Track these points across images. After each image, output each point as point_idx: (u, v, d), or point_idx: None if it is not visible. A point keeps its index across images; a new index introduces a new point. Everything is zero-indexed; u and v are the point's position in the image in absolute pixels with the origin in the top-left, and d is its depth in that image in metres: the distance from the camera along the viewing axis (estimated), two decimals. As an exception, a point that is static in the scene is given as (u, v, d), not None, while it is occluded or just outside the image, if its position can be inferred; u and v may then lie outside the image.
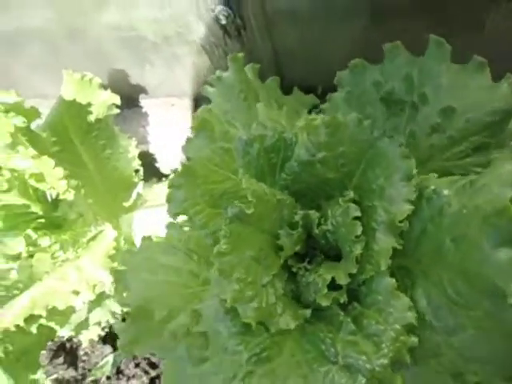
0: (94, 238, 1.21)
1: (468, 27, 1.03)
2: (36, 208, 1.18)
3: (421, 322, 0.64)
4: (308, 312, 0.72)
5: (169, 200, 0.73)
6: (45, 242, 1.15)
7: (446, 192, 0.63)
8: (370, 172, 0.70)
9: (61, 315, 1.18)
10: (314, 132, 0.69)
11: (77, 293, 1.17)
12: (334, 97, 0.91)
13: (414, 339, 0.63)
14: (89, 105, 1.21)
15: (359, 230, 0.66)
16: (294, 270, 0.78)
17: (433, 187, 0.65)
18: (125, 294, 0.76)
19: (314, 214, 0.75)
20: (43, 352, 1.72)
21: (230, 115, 0.89)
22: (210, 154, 0.74)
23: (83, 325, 1.26)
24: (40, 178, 1.12)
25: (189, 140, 0.74)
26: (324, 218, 0.76)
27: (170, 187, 0.72)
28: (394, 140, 0.66)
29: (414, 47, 0.84)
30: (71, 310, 1.21)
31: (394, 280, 0.66)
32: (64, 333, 1.26)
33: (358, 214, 0.67)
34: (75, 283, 1.15)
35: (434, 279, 0.65)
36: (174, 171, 0.71)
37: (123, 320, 0.75)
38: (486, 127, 0.77)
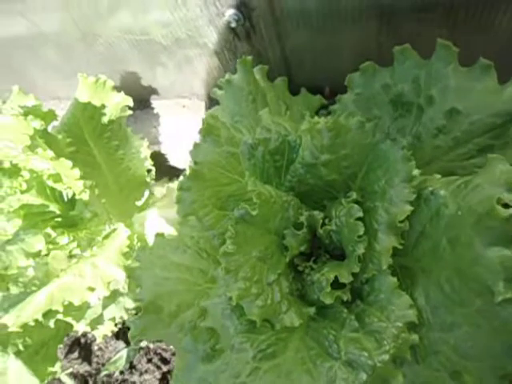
0: (107, 237, 1.25)
1: (477, 29, 1.03)
2: (54, 207, 1.22)
3: (419, 320, 0.66)
4: (312, 310, 0.74)
5: (178, 201, 0.76)
6: (63, 240, 1.20)
7: (442, 193, 0.65)
8: (372, 174, 0.72)
9: (77, 310, 1.22)
10: (317, 135, 0.71)
11: (92, 289, 1.21)
12: (344, 98, 0.93)
13: (415, 337, 0.65)
14: (103, 107, 1.25)
15: (362, 230, 0.68)
16: (300, 268, 0.80)
17: (431, 188, 0.67)
18: (138, 290, 0.80)
19: (318, 215, 0.77)
20: (60, 346, 1.78)
21: (237, 118, 0.91)
22: (217, 158, 0.76)
23: (98, 320, 1.30)
24: (57, 178, 1.16)
25: (196, 145, 0.77)
26: (328, 219, 0.78)
27: (179, 189, 0.75)
28: (396, 142, 0.67)
29: (425, 50, 0.85)
30: (87, 305, 1.26)
31: (395, 279, 0.68)
32: (80, 327, 1.31)
33: (361, 214, 0.69)
34: (90, 280, 1.19)
35: (433, 278, 0.67)
36: (184, 174, 0.74)
37: (136, 315, 0.79)
38: (490, 129, 0.78)
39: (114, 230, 1.29)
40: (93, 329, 1.32)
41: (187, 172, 0.74)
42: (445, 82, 0.82)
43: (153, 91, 1.60)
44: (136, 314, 0.78)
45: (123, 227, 1.25)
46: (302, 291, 0.80)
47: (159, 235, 0.88)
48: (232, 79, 0.99)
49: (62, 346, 1.84)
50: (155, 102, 1.65)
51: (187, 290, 0.80)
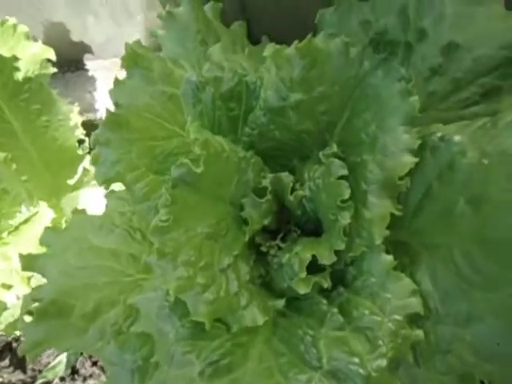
0: (26, 221, 1.01)
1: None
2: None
3: (424, 311, 0.50)
4: (281, 302, 0.56)
5: (95, 162, 0.55)
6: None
7: (457, 138, 0.48)
8: (356, 120, 0.54)
9: (-13, 313, 0.98)
10: (284, 65, 0.52)
11: (7, 287, 0.97)
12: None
13: (419, 333, 0.48)
14: (14, 59, 0.99)
15: (347, 193, 0.50)
16: (264, 249, 0.62)
17: (439, 134, 0.50)
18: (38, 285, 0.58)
19: (287, 177, 0.59)
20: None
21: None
22: (149, 101, 0.56)
23: (17, 324, 1.06)
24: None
25: (118, 82, 0.55)
26: (300, 183, 0.60)
27: (94, 143, 0.54)
28: (391, 72, 0.49)
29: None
30: (2, 306, 1.02)
31: (391, 257, 0.50)
32: (-7, 334, 1.06)
33: (345, 171, 0.51)
34: (4, 275, 0.95)
35: (442, 254, 0.50)
36: (99, 122, 0.53)
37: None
38: (498, 66, 0.62)
39: (35, 213, 1.05)
40: (10, 334, 1.08)
41: (104, 119, 0.53)
42: (439, 10, 0.66)
43: (85, 49, 1.35)
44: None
45: (46, 208, 1.01)
46: (267, 278, 0.61)
47: (78, 212, 0.67)
48: (175, 13, 0.77)
49: (-13, 353, 1.60)
50: (89, 63, 1.40)
51: (111, 282, 0.59)
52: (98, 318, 0.56)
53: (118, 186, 0.69)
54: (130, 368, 0.54)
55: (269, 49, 0.53)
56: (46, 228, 0.62)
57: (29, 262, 0.59)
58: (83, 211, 0.68)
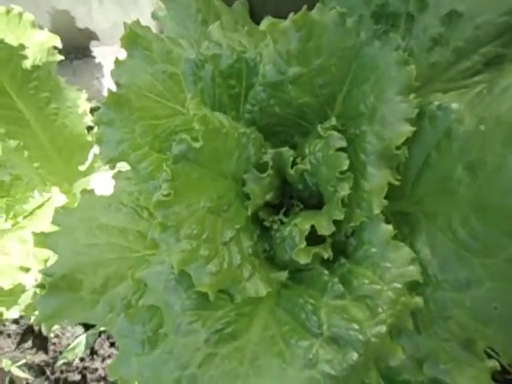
0: (40, 206, 1.04)
1: None
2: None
3: (424, 278, 0.50)
4: (284, 274, 0.57)
5: (99, 141, 0.56)
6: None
7: (455, 106, 0.47)
8: (356, 92, 0.54)
9: (7, 296, 1.02)
10: (281, 38, 0.52)
11: (25, 269, 1.01)
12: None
13: (419, 300, 0.49)
14: (21, 47, 1.01)
15: (345, 164, 0.50)
16: (267, 224, 0.63)
17: (437, 102, 0.50)
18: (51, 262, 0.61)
19: (287, 152, 0.59)
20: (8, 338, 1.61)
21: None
22: (150, 80, 0.56)
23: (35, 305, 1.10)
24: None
25: (118, 62, 0.56)
26: (301, 157, 0.61)
27: (97, 123, 0.55)
28: (388, 42, 0.49)
29: None
30: (21, 288, 1.05)
31: (390, 226, 0.51)
32: (13, 314, 1.11)
33: (343, 143, 0.52)
34: (21, 258, 0.98)
35: (441, 222, 0.50)
36: (101, 103, 0.54)
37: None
38: (500, 33, 0.61)
39: (49, 198, 1.08)
40: (29, 316, 1.13)
41: (105, 99, 0.54)
42: (441, -21, 0.64)
43: (91, 35, 1.36)
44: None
45: (58, 193, 1.04)
46: (271, 252, 0.62)
47: (86, 192, 0.68)
48: (176, -7, 0.77)
49: (12, 335, 1.67)
50: (96, 50, 1.41)
51: (120, 258, 0.61)
52: (107, 292, 0.58)
53: (125, 167, 0.70)
54: (141, 339, 0.56)
55: (265, 22, 0.53)
56: (57, 208, 0.65)
57: (41, 240, 0.62)
58: (92, 191, 0.70)
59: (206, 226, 0.52)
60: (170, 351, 0.49)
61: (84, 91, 1.25)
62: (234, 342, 0.50)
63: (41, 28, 1.08)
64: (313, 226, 0.52)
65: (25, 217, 0.99)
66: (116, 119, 0.55)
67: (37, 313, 1.21)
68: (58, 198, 1.07)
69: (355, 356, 0.47)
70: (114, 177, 0.70)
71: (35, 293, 1.02)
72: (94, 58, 1.41)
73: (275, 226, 0.62)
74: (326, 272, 0.54)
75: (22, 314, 1.11)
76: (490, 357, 0.53)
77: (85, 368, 1.67)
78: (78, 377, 1.68)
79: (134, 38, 0.56)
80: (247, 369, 0.49)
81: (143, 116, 0.57)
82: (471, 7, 0.62)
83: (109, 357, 1.63)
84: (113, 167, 0.61)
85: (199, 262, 0.50)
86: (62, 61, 1.18)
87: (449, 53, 0.65)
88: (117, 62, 0.56)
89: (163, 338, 0.53)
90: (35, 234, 0.62)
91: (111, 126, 0.56)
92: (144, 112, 0.57)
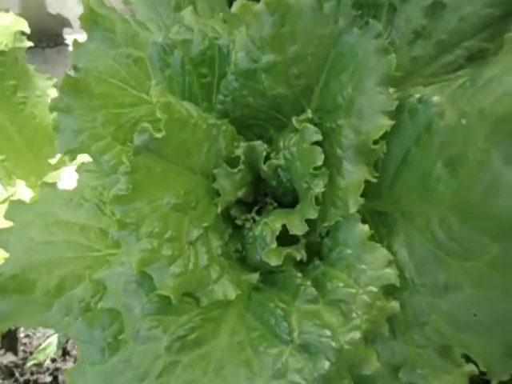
0: (4, 201, 0.98)
1: None
2: None
3: (401, 282, 0.48)
4: (255, 276, 0.54)
5: (56, 129, 0.51)
6: None
7: (436, 99, 0.45)
8: (333, 82, 0.51)
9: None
10: (254, 22, 0.48)
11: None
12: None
13: (395, 304, 0.46)
14: (-16, 31, 0.95)
15: (320, 159, 0.47)
16: (239, 222, 0.59)
17: (418, 95, 0.47)
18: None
19: (260, 146, 0.56)
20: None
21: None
22: (111, 64, 0.52)
23: None
24: None
25: (77, 44, 0.51)
26: (275, 152, 0.57)
27: (52, 110, 0.51)
28: (368, 29, 0.46)
29: None
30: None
31: (367, 226, 0.48)
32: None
33: (319, 137, 0.48)
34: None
35: (419, 222, 0.47)
36: (58, 86, 0.49)
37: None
38: (486, 25, 0.59)
39: (15, 192, 1.02)
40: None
41: (62, 83, 0.49)
42: (423, -32, 0.61)
43: (64, 22, 1.29)
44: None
45: (24, 188, 0.98)
46: (243, 253, 0.59)
47: (47, 185, 0.64)
48: (147, -23, 0.72)
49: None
50: (70, 38, 1.34)
51: (78, 257, 0.56)
52: (63, 293, 0.54)
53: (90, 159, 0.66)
54: (100, 345, 0.52)
55: (237, 4, 0.49)
56: (12, 201, 0.60)
57: (-9, 237, 0.57)
58: (53, 185, 0.65)
59: (169, 223, 0.48)
60: (127, 360, 0.45)
61: (56, 80, 1.19)
62: (198, 350, 0.46)
63: (6, 11, 1.02)
64: (283, 225, 0.48)
65: (-14, 212, 0.93)
66: (74, 106, 0.51)
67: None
68: (23, 192, 1.01)
69: (327, 365, 0.44)
70: (76, 170, 0.65)
71: None
72: (67, 45, 1.35)
73: (248, 225, 0.59)
74: (299, 274, 0.51)
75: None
76: (468, 360, 0.50)
77: (56, 369, 1.62)
78: (49, 378, 1.62)
79: (94, 18, 0.51)
80: (211, 379, 0.45)
81: (105, 104, 0.53)
82: (455, -2, 0.60)
83: (81, 358, 1.58)
84: (72, 159, 0.56)
85: (161, 263, 0.46)
86: (32, 48, 1.12)
87: (431, 46, 0.62)
88: (75, 43, 0.52)
89: (124, 344, 0.49)
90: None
91: (68, 113, 0.51)
92: (106, 99, 0.53)
